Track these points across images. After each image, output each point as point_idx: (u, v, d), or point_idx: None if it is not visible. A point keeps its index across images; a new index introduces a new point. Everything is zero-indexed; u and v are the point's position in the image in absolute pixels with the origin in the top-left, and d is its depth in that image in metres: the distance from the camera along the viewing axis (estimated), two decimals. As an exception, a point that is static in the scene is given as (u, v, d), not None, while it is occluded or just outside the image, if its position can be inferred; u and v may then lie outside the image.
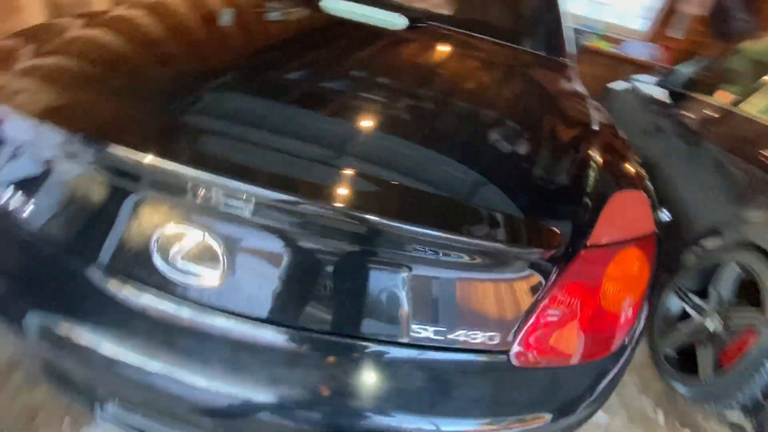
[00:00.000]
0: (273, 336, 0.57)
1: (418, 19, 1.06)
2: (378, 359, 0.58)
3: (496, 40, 1.15)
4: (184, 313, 0.57)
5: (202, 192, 0.51)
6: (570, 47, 1.42)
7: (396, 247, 0.55)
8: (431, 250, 0.55)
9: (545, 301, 0.61)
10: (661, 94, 2.72)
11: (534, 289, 0.61)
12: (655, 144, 2.45)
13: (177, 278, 0.56)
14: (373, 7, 1.01)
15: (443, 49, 1.02)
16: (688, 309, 1.65)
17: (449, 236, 0.53)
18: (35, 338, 0.57)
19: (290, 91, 0.74)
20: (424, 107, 0.80)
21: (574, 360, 0.64)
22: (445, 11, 1.26)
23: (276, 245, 0.56)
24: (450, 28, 1.12)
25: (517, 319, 0.61)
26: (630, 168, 0.85)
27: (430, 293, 0.59)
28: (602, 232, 0.66)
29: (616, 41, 5.32)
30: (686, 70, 2.72)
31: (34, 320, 0.57)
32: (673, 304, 1.72)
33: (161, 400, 0.57)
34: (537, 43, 1.27)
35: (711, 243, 1.65)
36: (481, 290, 0.60)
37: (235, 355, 0.56)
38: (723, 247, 1.58)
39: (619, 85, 3.54)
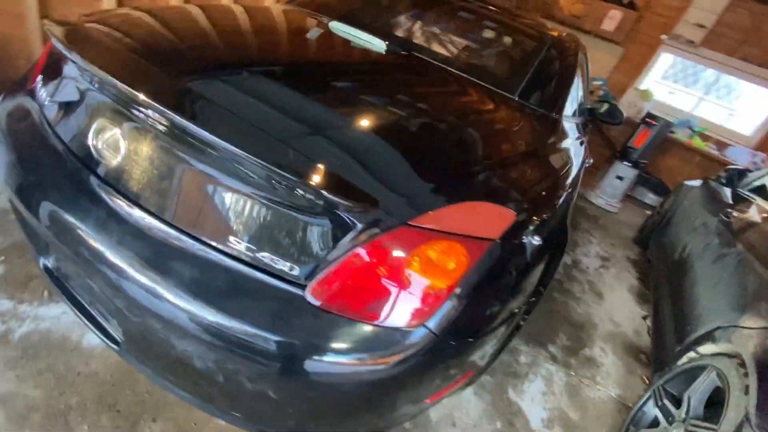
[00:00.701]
0: (138, 215, 0.75)
1: (398, 47, 1.26)
2: (200, 256, 0.72)
3: (463, 74, 1.28)
4: (97, 185, 0.78)
5: (125, 100, 0.73)
6: (571, 109, 1.49)
7: (241, 174, 0.70)
8: (267, 182, 0.68)
9: (351, 254, 0.69)
10: (725, 195, 2.47)
11: (345, 241, 0.69)
12: (696, 241, 2.22)
13: (97, 157, 0.79)
14: (367, 34, 1.23)
15: (398, 66, 1.20)
16: (659, 414, 1.43)
17: (280, 172, 0.66)
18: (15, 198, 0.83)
19: (259, 68, 0.96)
20: (350, 96, 0.95)
21: (362, 316, 0.69)
22: (444, 50, 1.44)
23: (157, 149, 0.76)
24: (423, 58, 1.29)
25: (322, 260, 0.69)
26: (521, 192, 0.90)
27: (253, 215, 0.71)
28: (430, 219, 0.72)
29: (720, 143, 4.91)
30: (760, 173, 2.45)
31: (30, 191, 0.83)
32: (649, 408, 1.51)
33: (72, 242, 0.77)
34: (513, 88, 1.35)
35: (705, 348, 1.44)
36: (299, 226, 0.70)
37: (119, 225, 0.75)
38: (713, 355, 1.37)
39: (694, 182, 3.27)
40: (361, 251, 0.70)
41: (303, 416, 0.78)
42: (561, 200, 1.14)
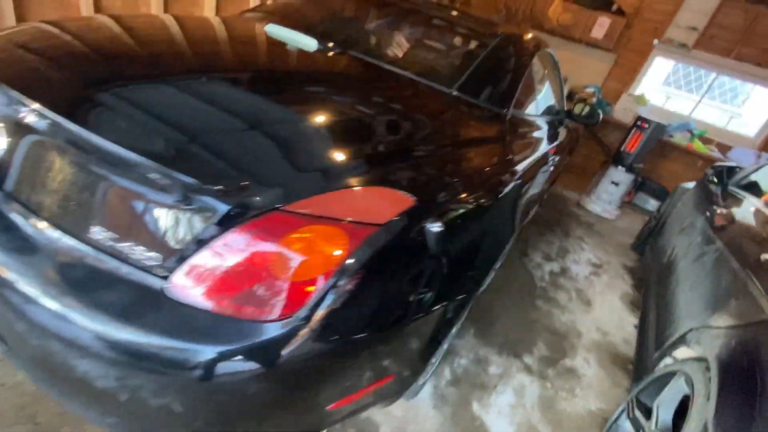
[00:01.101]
0: (17, 209, 0.72)
1: (332, 47, 1.25)
2: (63, 249, 0.68)
3: (394, 70, 1.26)
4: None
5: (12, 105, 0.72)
6: (532, 107, 1.47)
7: (105, 163, 0.67)
8: (132, 169, 0.65)
9: (216, 242, 0.64)
10: (715, 193, 2.35)
11: (210, 228, 0.65)
12: (682, 241, 2.10)
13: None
14: (301, 35, 1.22)
15: (325, 64, 1.18)
16: (630, 427, 1.31)
17: (140, 157, 0.64)
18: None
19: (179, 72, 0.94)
20: (251, 91, 0.92)
21: (226, 309, 0.64)
22: (381, 48, 1.42)
23: (30, 143, 0.74)
24: (357, 56, 1.28)
25: (186, 249, 0.65)
26: (436, 180, 0.85)
27: (117, 205, 0.68)
28: (308, 204, 0.68)
29: (722, 145, 4.76)
30: (750, 169, 2.33)
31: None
32: (622, 420, 1.39)
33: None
34: (450, 83, 1.31)
35: (679, 352, 1.32)
36: (163, 215, 0.66)
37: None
38: (683, 360, 1.25)
39: (690, 184, 3.15)
40: (228, 238, 0.65)
41: (185, 424, 0.72)
42: (501, 192, 1.09)
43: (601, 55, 5.17)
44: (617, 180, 3.98)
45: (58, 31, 0.93)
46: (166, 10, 2.81)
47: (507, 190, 1.15)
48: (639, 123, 3.77)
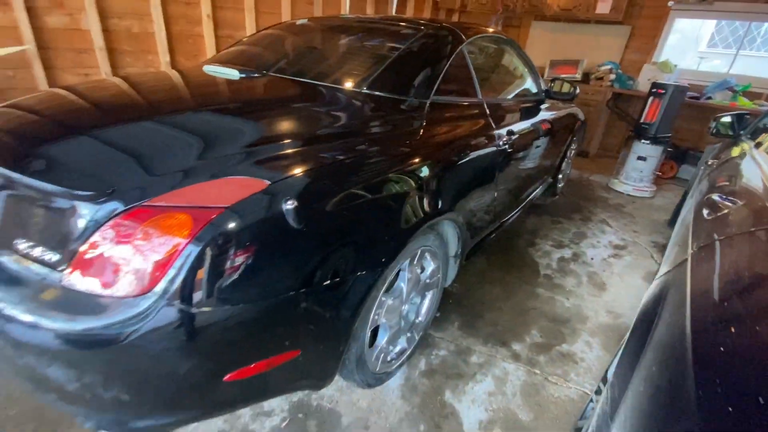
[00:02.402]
0: None
1: (254, 72, 1.44)
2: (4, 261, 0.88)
3: (304, 80, 1.40)
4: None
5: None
6: (445, 93, 1.53)
7: (17, 189, 0.88)
8: (32, 191, 0.85)
9: (94, 236, 0.80)
10: (728, 146, 2.12)
11: (90, 225, 0.81)
12: (689, 205, 1.90)
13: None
14: (226, 69, 1.44)
15: (242, 86, 1.38)
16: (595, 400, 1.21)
17: (32, 180, 0.83)
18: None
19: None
20: (152, 113, 1.12)
21: (104, 290, 0.78)
22: (298, 65, 1.59)
23: None
24: (276, 75, 1.45)
25: (72, 243, 0.81)
26: (303, 165, 0.96)
27: (26, 218, 0.87)
28: (164, 198, 0.81)
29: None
30: (765, 115, 2.07)
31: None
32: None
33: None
34: (359, 83, 1.41)
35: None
36: (51, 219, 0.84)
37: None
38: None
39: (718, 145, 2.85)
40: (102, 233, 0.80)
41: (104, 391, 0.86)
42: (405, 169, 1.16)
43: (614, 29, 4.90)
44: (643, 154, 3.67)
45: (14, 110, 1.20)
46: (171, 59, 3.30)
47: (416, 167, 1.20)
48: (655, 90, 3.49)
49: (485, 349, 1.73)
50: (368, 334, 1.25)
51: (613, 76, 4.74)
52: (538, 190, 2.75)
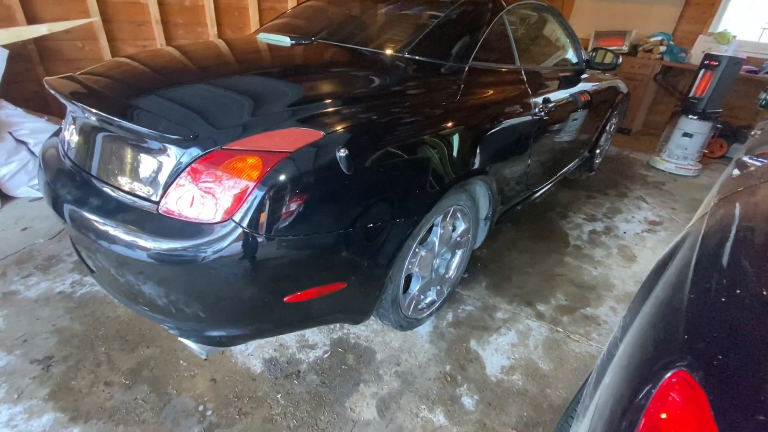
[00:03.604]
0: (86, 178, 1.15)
1: (303, 39, 1.57)
2: (104, 194, 1.07)
3: (350, 46, 1.51)
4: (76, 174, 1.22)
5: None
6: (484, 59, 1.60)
7: (120, 130, 1.06)
8: (126, 132, 1.03)
9: (182, 174, 0.97)
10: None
11: (176, 166, 0.97)
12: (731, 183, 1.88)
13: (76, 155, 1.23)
14: (279, 36, 1.57)
15: (294, 51, 1.52)
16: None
17: (128, 125, 1.00)
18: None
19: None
20: (228, 74, 1.28)
21: (193, 217, 0.95)
22: (344, 32, 1.69)
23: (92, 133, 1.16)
24: (324, 42, 1.56)
25: (166, 183, 0.98)
26: (336, 115, 1.09)
27: (125, 159, 1.05)
28: (240, 144, 0.96)
29: None
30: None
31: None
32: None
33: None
34: (401, 48, 1.50)
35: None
36: (146, 160, 1.02)
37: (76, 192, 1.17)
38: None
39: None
40: (189, 171, 0.96)
41: (186, 307, 1.04)
42: (442, 129, 1.26)
43: (668, -2, 4.60)
44: (690, 130, 3.52)
45: (109, 67, 1.39)
46: (219, 31, 3.49)
47: (452, 128, 1.30)
48: (707, 62, 3.31)
49: (510, 308, 1.84)
50: (402, 279, 1.39)
51: (663, 48, 4.48)
52: (573, 164, 2.74)
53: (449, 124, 1.30)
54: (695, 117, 3.45)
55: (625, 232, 2.60)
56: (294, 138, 0.99)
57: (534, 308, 1.85)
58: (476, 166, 1.43)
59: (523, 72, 1.79)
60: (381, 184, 1.11)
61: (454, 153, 1.31)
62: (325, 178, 1.00)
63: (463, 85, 1.46)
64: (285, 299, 1.07)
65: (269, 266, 1.00)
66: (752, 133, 1.85)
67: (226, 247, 0.94)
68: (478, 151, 1.43)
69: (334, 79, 1.30)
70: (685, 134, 3.55)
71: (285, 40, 1.56)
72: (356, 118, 1.10)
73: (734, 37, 4.13)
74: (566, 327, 1.76)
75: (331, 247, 1.06)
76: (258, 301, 1.05)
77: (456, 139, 1.31)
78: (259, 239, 0.95)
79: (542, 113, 1.81)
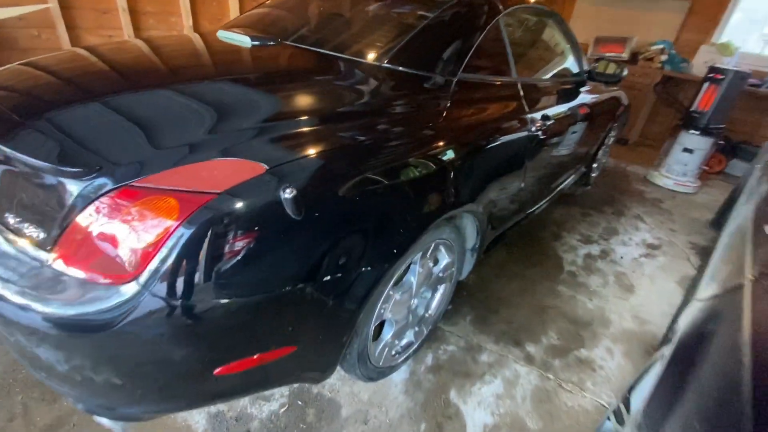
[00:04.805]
0: None
1: (267, 40, 1.35)
2: None
3: (319, 50, 1.29)
4: None
5: None
6: (475, 70, 1.39)
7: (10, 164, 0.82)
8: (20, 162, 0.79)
9: (79, 219, 0.74)
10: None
11: (71, 207, 0.75)
12: (744, 212, 1.71)
13: None
14: (240, 35, 1.35)
15: (254, 55, 1.29)
16: (612, 419, 1.11)
17: (20, 154, 0.77)
18: None
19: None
20: (145, 86, 1.03)
21: (88, 274, 0.73)
22: (316, 35, 1.46)
23: None
24: (291, 45, 1.34)
25: (59, 222, 0.76)
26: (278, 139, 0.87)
27: (14, 189, 0.83)
28: (153, 180, 0.74)
29: None
30: None
31: None
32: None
33: None
34: (380, 56, 1.28)
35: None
36: (38, 198, 0.79)
37: None
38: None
39: None
40: (86, 213, 0.74)
41: (94, 375, 0.83)
42: (422, 154, 1.05)
43: (670, 4, 4.43)
44: (691, 146, 3.36)
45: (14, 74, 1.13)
46: (195, 22, 3.22)
47: (435, 155, 1.09)
48: (712, 75, 3.14)
49: (497, 348, 1.65)
50: (372, 328, 1.19)
51: (664, 57, 4.32)
52: (569, 180, 2.56)
53: (430, 152, 1.09)
54: (697, 132, 3.29)
55: (622, 257, 2.43)
56: (226, 173, 0.77)
57: (523, 349, 1.66)
58: (462, 197, 1.23)
59: (519, 85, 1.58)
60: (343, 228, 0.90)
61: (436, 185, 1.10)
62: (265, 225, 0.78)
63: (450, 102, 1.25)
64: (215, 372, 0.85)
65: (189, 336, 0.79)
66: (769, 161, 1.68)
67: (128, 314, 0.72)
68: (464, 179, 1.23)
69: (291, 93, 1.06)
70: (686, 149, 3.39)
71: (245, 41, 1.33)
72: (313, 146, 0.88)
73: (738, 48, 3.97)
74: (558, 373, 1.57)
75: (274, 309, 0.85)
76: (179, 375, 0.84)
77: (438, 168, 1.10)
78: (175, 304, 0.74)
79: (539, 132, 1.61)
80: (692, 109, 3.28)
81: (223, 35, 1.43)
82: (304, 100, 1.04)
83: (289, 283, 0.84)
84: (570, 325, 1.83)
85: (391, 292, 1.19)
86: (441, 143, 1.13)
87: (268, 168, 0.79)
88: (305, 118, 0.95)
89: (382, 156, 0.98)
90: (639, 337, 1.81)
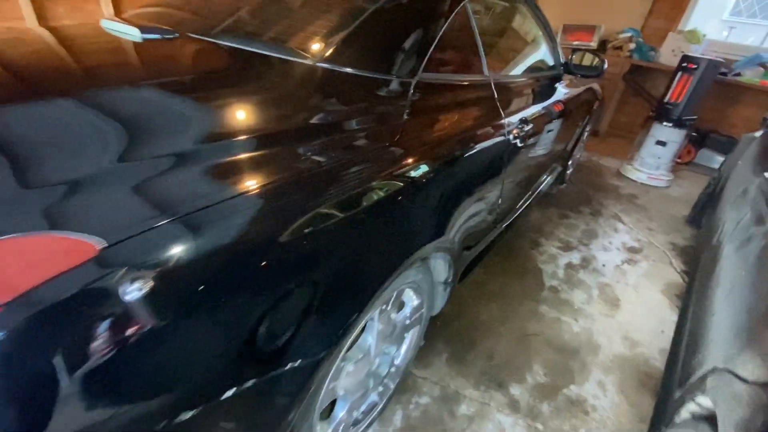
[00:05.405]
0: None
1: (164, 33, 1.01)
2: None
3: (233, 46, 0.96)
4: None
5: None
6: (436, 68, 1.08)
7: None
8: None
9: None
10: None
11: None
12: (733, 215, 1.54)
13: None
14: (129, 26, 1.01)
15: (140, 55, 0.94)
16: None
17: None
18: None
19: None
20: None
21: None
22: (231, 26, 1.12)
23: None
24: (202, 38, 1.01)
25: None
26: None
27: None
28: None
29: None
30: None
31: None
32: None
33: None
34: (314, 53, 0.97)
35: (702, 400, 0.88)
36: None
37: None
38: (694, 417, 0.81)
39: (758, 133, 2.47)
40: None
41: None
42: (345, 208, 0.74)
43: (638, -9, 4.31)
44: (664, 139, 3.25)
45: None
46: (115, 9, 2.76)
47: (387, 188, 0.80)
48: (685, 64, 3.02)
49: (477, 395, 1.41)
50: (318, 413, 0.91)
51: (632, 46, 4.21)
52: (547, 182, 2.35)
53: (381, 188, 0.79)
54: (670, 124, 3.17)
55: (604, 265, 2.26)
56: (30, 260, 0.46)
57: (506, 393, 1.43)
58: (428, 233, 0.96)
59: (492, 85, 1.32)
60: (242, 322, 0.60)
61: (392, 229, 0.82)
62: (104, 340, 0.48)
63: (407, 112, 0.96)
64: None
65: None
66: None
67: None
68: (430, 211, 0.96)
69: (182, 107, 0.73)
70: (659, 142, 3.28)
71: (134, 33, 0.98)
72: (199, 197, 0.58)
73: (704, 36, 3.91)
74: (547, 422, 1.35)
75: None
76: None
77: (393, 205, 0.82)
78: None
79: (518, 139, 1.36)
80: (666, 100, 3.16)
81: (108, 26, 1.07)
82: (200, 122, 0.70)
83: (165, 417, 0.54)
84: (556, 354, 1.62)
85: (342, 364, 0.91)
86: (397, 171, 0.84)
87: (105, 245, 0.48)
88: (193, 148, 0.64)
89: (306, 201, 0.67)
90: (631, 363, 1.62)
